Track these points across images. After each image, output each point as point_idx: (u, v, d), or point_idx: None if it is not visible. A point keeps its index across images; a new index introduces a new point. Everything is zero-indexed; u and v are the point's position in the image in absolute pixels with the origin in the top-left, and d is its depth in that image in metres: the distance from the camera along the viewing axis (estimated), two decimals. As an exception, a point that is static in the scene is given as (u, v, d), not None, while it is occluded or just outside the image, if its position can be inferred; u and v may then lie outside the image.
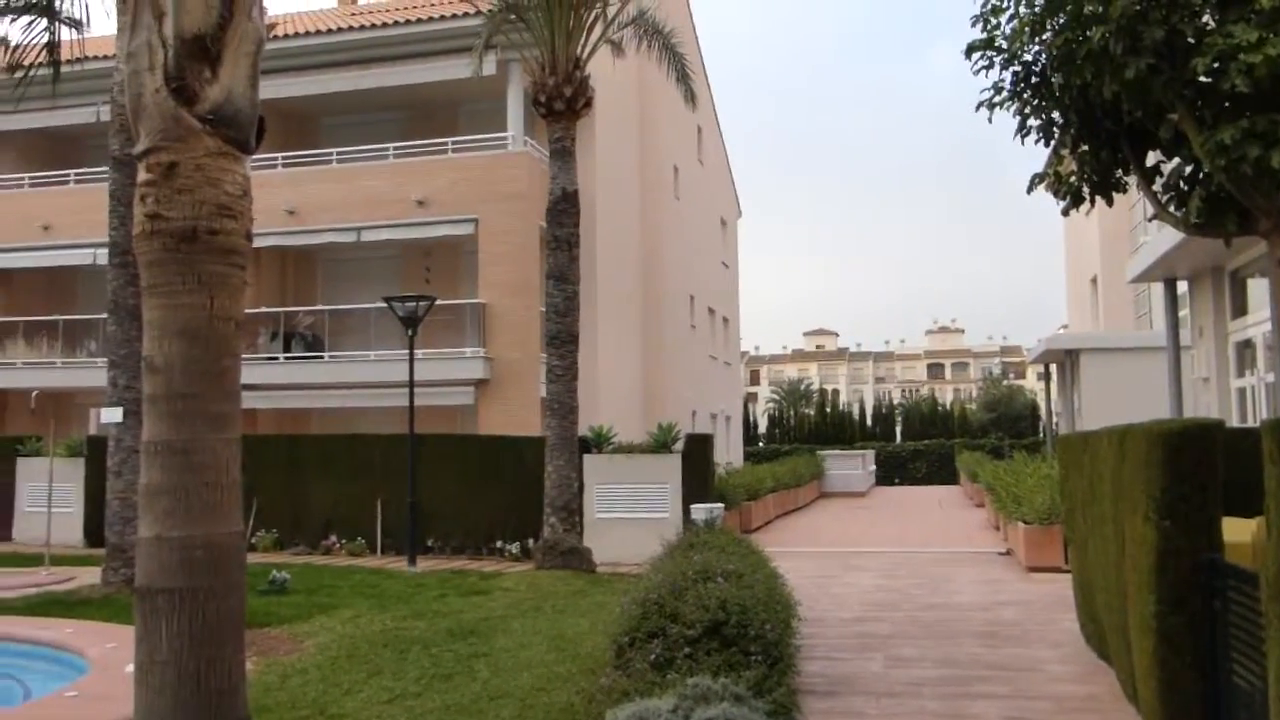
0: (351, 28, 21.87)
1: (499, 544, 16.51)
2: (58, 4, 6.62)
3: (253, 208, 4.35)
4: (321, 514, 17.04)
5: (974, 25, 8.36)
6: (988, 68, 8.50)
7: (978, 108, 8.54)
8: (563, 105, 14.02)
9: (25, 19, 9.61)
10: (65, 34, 11.92)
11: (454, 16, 21.03)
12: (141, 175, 4.16)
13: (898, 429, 51.63)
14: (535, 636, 9.62)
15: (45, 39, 8.29)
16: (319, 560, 15.92)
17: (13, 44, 9.35)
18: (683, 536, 10.98)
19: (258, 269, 21.17)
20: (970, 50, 8.46)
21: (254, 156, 4.39)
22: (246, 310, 5.27)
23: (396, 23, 21.73)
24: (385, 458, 16.93)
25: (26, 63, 9.42)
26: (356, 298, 21.87)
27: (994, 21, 8.34)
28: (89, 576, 13.27)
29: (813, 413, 58.14)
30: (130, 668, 8.08)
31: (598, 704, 7.00)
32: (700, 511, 13.33)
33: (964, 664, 8.40)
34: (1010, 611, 10.85)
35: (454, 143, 21.92)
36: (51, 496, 16.06)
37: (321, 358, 20.78)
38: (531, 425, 19.76)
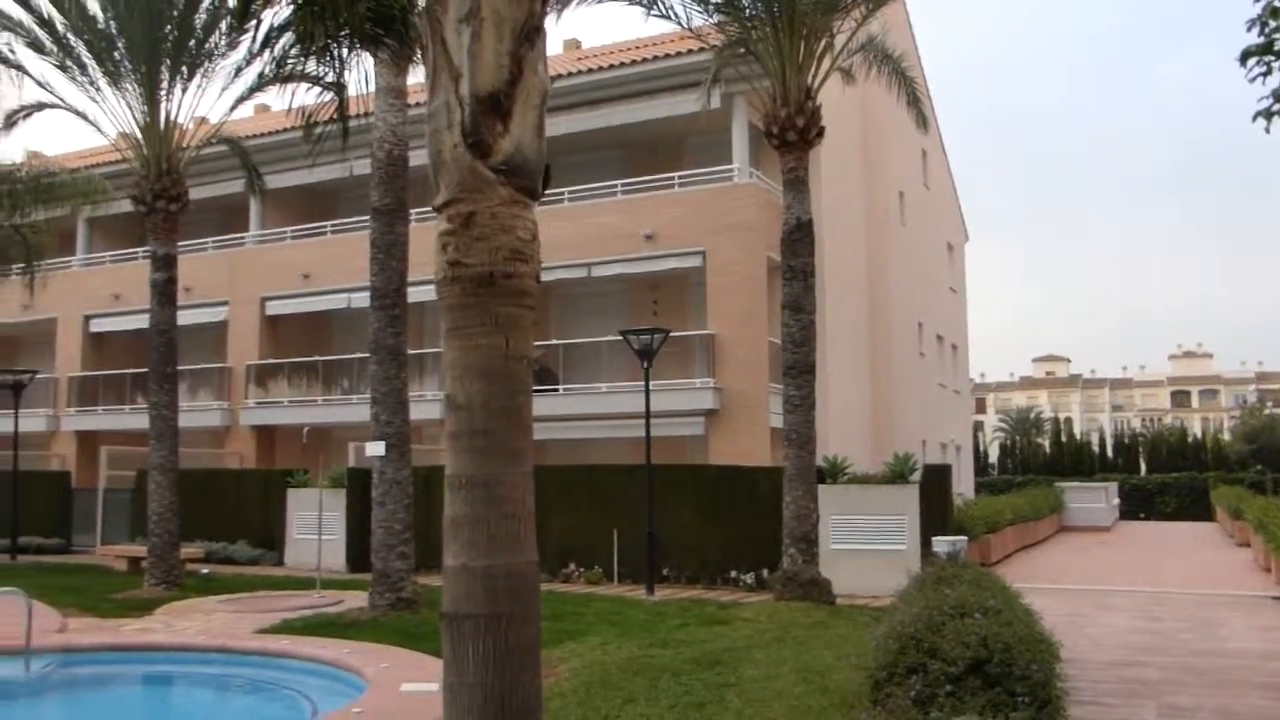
0: (580, 71, 22.67)
1: (733, 574, 16.55)
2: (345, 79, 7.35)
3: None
4: (560, 543, 17.55)
5: (1249, 29, 7.82)
6: (1265, 74, 7.93)
7: (1255, 117, 7.95)
8: (795, 136, 14.05)
9: (316, 90, 10.52)
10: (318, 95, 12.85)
11: (678, 54, 21.47)
12: (441, 225, 4.46)
13: (1141, 460, 48.53)
14: (781, 668, 9.56)
15: (333, 104, 9.19)
16: (560, 588, 16.40)
17: (305, 110, 10.21)
18: (927, 569, 10.72)
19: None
20: (1245, 56, 7.92)
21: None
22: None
23: (623, 64, 22.40)
24: (621, 488, 17.29)
25: (314, 126, 10.29)
26: (585, 331, 22.53)
27: (1272, 24, 7.77)
28: (356, 600, 14.15)
29: (1047, 443, 55.43)
30: (405, 686, 8.62)
31: (857, 740, 6.91)
32: (943, 544, 12.98)
33: (1247, 717, 7.78)
34: (1296, 661, 9.99)
35: (680, 177, 22.31)
36: (320, 525, 17.27)
37: (557, 390, 21.48)
38: (760, 455, 19.75)
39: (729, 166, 21.73)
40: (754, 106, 19.95)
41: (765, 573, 16.01)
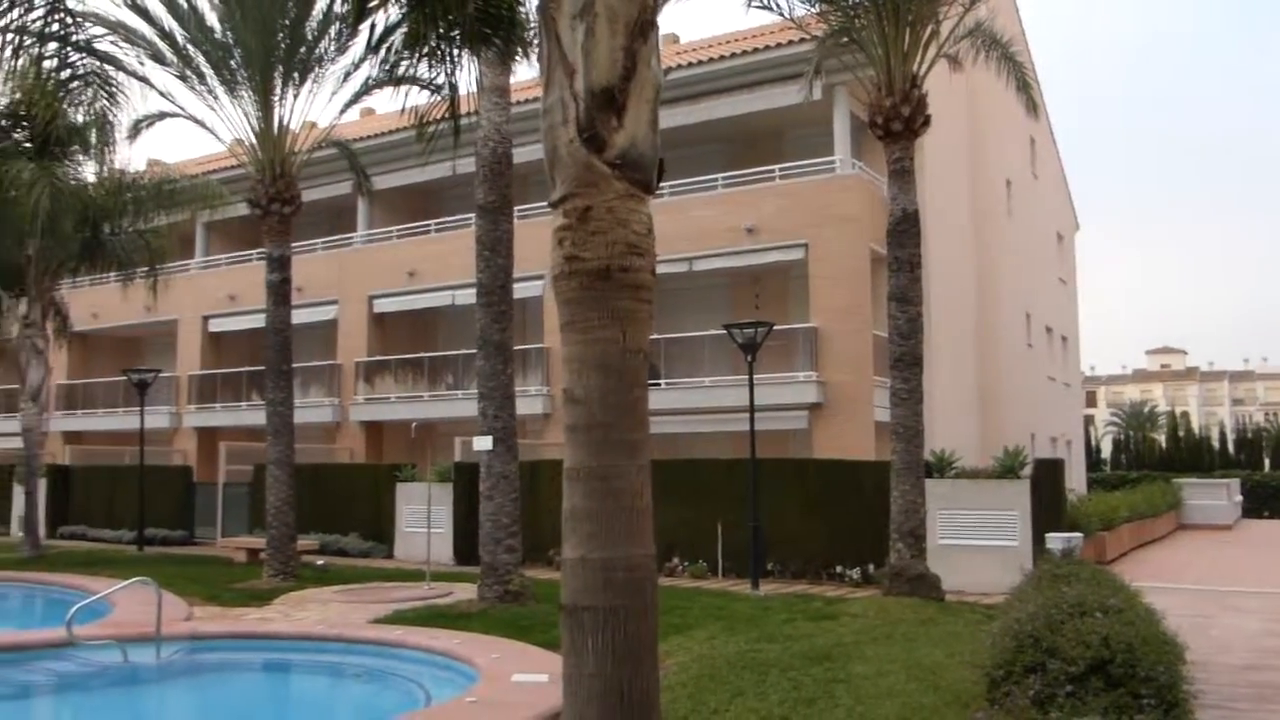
0: (680, 66, 22.65)
1: (838, 569, 16.40)
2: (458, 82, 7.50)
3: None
4: (664, 537, 17.52)
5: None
6: None
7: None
8: (900, 125, 13.82)
9: (422, 91, 10.75)
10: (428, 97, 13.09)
11: (779, 46, 21.31)
12: (558, 220, 4.51)
13: (1265, 456, 46.49)
14: (891, 664, 9.43)
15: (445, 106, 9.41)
16: (665, 582, 16.38)
17: (417, 111, 10.43)
18: (1042, 567, 10.47)
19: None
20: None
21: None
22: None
23: (723, 57, 22.31)
24: (724, 482, 17.25)
25: (426, 126, 10.52)
26: (686, 326, 22.50)
27: None
28: (464, 592, 14.41)
29: (1162, 438, 53.51)
30: (516, 677, 8.75)
31: (974, 739, 6.78)
32: (1057, 540, 12.66)
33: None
34: None
35: (781, 169, 22.13)
36: (429, 518, 17.63)
37: (659, 385, 21.52)
38: (864, 449, 19.51)
39: (831, 158, 21.48)
40: (856, 97, 19.71)
41: (871, 568, 15.84)
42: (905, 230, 13.97)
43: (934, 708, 7.85)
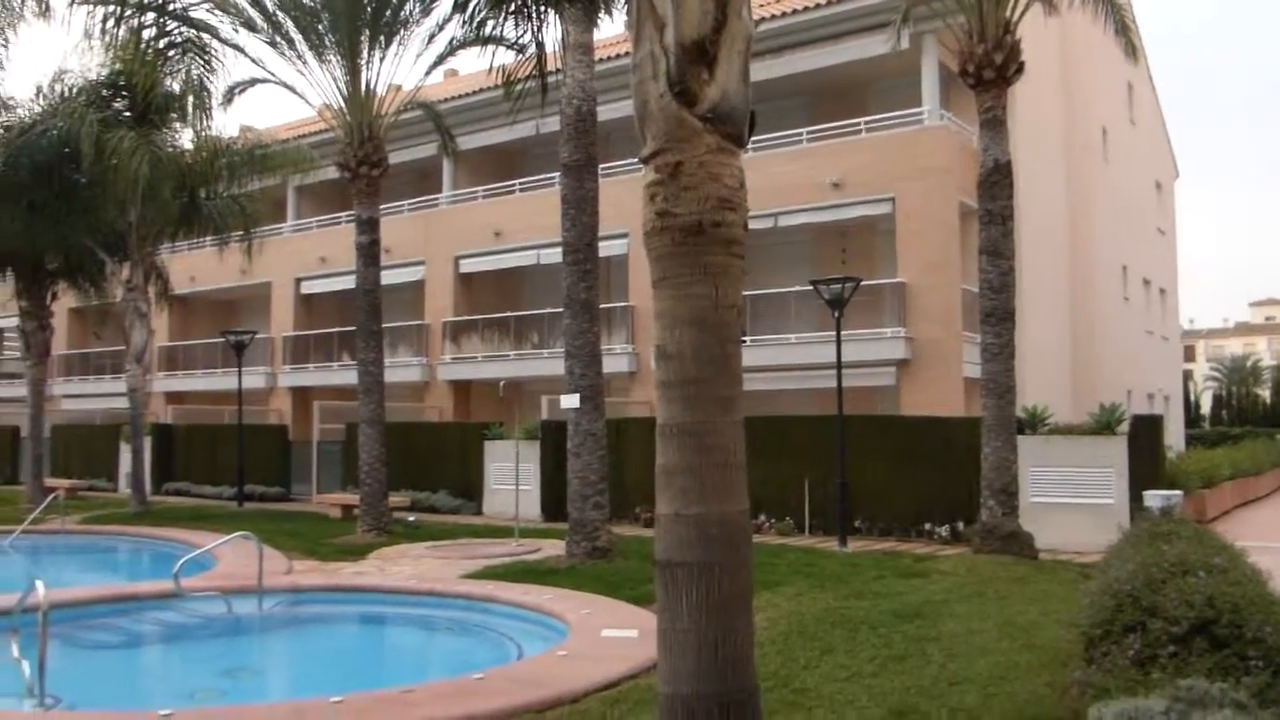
0: (764, 19, 22.29)
1: (927, 526, 16.24)
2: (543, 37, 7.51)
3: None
4: (751, 494, 17.34)
5: None
6: None
7: None
8: (993, 73, 13.43)
9: (503, 50, 10.80)
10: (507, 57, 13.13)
11: (865, -6, 20.84)
12: (649, 176, 4.48)
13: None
14: (983, 622, 9.34)
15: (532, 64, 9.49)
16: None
17: (504, 70, 10.47)
18: (1140, 525, 10.24)
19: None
20: None
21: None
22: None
23: (806, 8, 21.88)
24: (811, 439, 17.16)
25: (513, 85, 10.57)
26: (771, 282, 22.30)
27: None
28: (552, 549, 14.59)
29: (1266, 393, 51.75)
30: (606, 632, 8.86)
31: (1071, 699, 6.67)
32: (1156, 498, 12.33)
33: None
34: None
35: (867, 122, 21.72)
36: (517, 476, 17.87)
37: (744, 342, 21.37)
38: (953, 405, 19.22)
39: (918, 109, 21.00)
40: (945, 45, 19.20)
41: (961, 525, 15.66)
42: (997, 182, 13.63)
43: (1029, 666, 7.77)
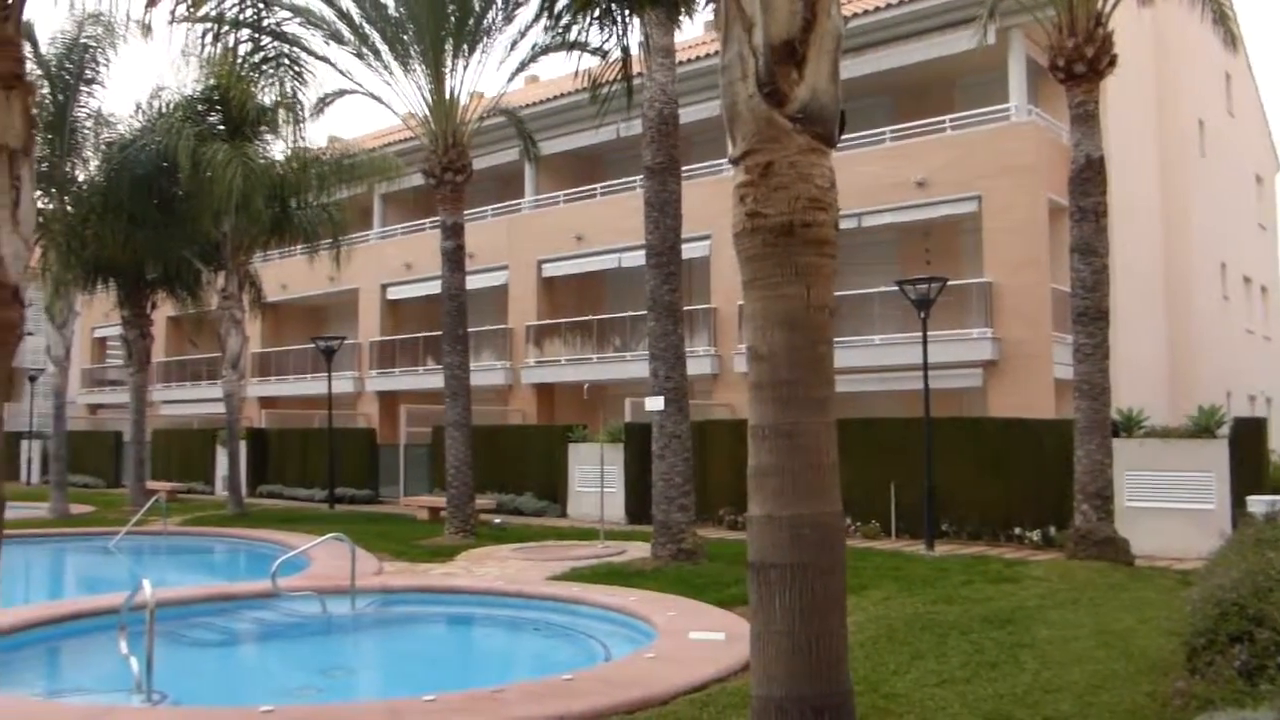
0: (846, 17, 22.07)
1: (1017, 531, 15.91)
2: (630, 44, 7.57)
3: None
4: (837, 496, 17.39)
5: None
6: None
7: None
8: (1084, 67, 13.11)
9: (585, 55, 10.89)
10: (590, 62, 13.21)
11: (947, -10, 20.55)
12: (739, 177, 4.47)
13: None
14: (1078, 630, 9.12)
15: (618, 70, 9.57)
16: (836, 542, 16.30)
17: (590, 74, 10.56)
18: (1243, 531, 9.91)
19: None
20: None
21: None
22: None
23: (890, 5, 21.65)
24: (897, 441, 16.96)
25: (599, 88, 10.65)
26: (854, 283, 22.09)
27: None
28: (637, 551, 14.63)
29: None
30: (693, 634, 8.85)
31: (1173, 709, 6.49)
32: (1261, 504, 11.96)
33: None
34: None
35: (952, 120, 21.39)
36: (602, 478, 17.95)
37: (829, 343, 21.21)
38: (1043, 408, 18.81)
39: (1005, 106, 20.62)
40: (1033, 40, 18.85)
41: (1053, 530, 15.30)
42: (1089, 178, 13.30)
43: (1127, 675, 7.56)
